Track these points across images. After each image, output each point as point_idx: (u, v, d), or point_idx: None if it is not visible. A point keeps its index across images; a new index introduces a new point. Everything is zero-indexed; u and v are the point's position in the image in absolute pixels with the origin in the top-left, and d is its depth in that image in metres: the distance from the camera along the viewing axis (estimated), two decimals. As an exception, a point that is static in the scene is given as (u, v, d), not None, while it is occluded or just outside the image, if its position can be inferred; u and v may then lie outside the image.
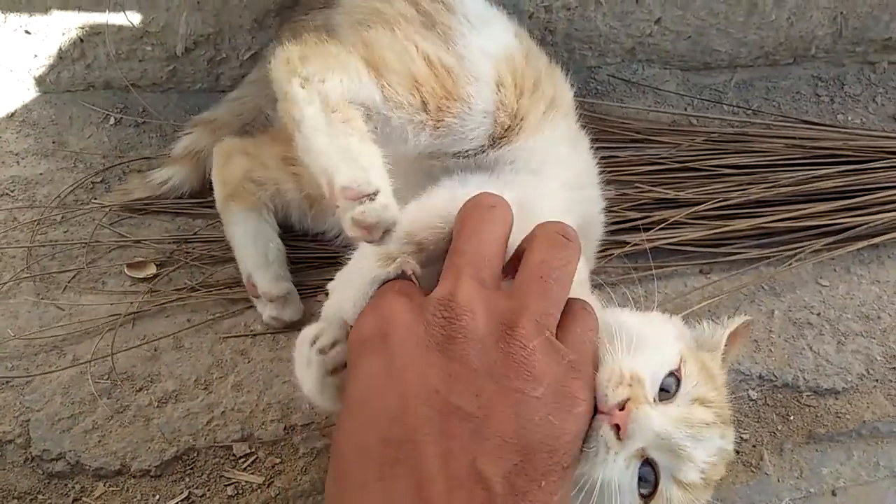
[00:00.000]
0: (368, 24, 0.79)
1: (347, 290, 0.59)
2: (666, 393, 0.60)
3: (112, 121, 1.12)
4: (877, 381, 1.03)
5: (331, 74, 0.66)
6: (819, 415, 1.00)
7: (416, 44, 0.75)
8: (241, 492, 0.85)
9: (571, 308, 0.57)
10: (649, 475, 0.57)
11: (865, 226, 1.11)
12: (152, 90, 1.13)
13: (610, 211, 1.10)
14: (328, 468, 0.53)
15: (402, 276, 0.58)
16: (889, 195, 1.14)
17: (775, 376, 1.01)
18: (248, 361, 0.92)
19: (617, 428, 0.54)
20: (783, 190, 1.13)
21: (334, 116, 0.63)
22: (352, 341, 0.55)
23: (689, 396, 0.60)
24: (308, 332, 0.61)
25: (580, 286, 0.67)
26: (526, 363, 0.50)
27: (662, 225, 1.10)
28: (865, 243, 1.12)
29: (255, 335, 0.94)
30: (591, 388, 0.55)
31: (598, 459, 0.54)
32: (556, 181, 0.80)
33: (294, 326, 0.93)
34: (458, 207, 0.60)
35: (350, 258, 0.64)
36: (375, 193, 0.56)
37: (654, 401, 0.58)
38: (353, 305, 0.58)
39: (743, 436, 0.98)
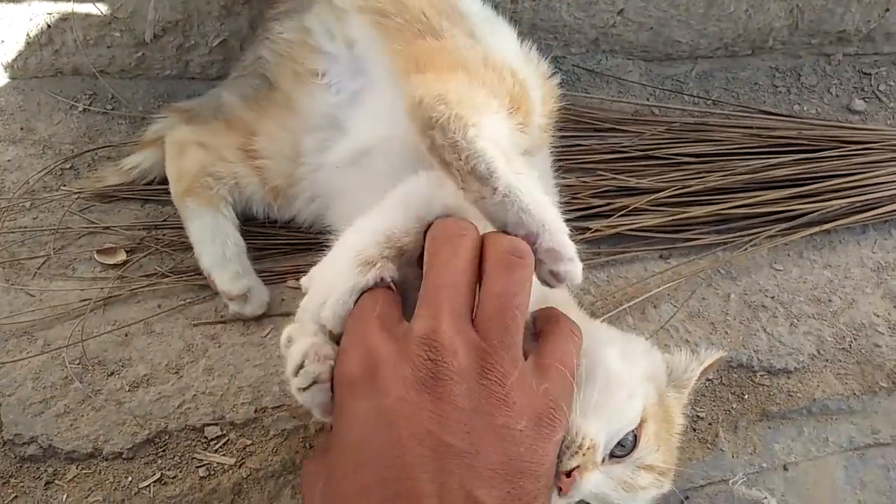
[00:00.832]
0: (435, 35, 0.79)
1: (324, 293, 0.59)
2: (621, 448, 0.63)
3: (80, 107, 1.12)
4: (827, 361, 1.06)
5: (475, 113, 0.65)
6: (772, 393, 1.03)
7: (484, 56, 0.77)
8: (212, 473, 0.86)
9: (553, 328, 0.60)
10: None
11: (818, 212, 1.15)
12: (121, 77, 1.13)
13: (573, 198, 1.14)
14: None
15: (380, 283, 0.59)
16: (841, 183, 1.18)
17: (731, 357, 1.04)
18: (219, 346, 0.93)
19: (559, 489, 0.59)
20: (740, 178, 1.17)
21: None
22: (339, 382, 0.56)
23: (637, 462, 0.63)
24: (284, 335, 0.61)
25: (564, 306, 0.69)
26: (506, 401, 0.53)
27: (624, 212, 1.13)
28: (818, 229, 1.15)
29: (225, 321, 0.95)
30: (569, 410, 0.58)
31: None
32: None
33: (263, 316, 0.94)
34: (436, 210, 0.61)
35: (327, 249, 0.65)
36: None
37: (604, 460, 0.62)
38: (333, 315, 0.58)
39: (699, 414, 1.01)
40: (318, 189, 0.92)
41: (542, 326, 0.62)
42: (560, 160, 1.15)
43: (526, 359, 0.58)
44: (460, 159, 0.59)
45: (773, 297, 1.11)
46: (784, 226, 1.14)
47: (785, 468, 1.00)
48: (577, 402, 0.60)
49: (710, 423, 1.01)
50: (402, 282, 0.62)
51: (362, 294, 0.59)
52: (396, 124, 0.76)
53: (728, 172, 1.18)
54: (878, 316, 1.12)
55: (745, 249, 1.12)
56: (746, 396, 1.03)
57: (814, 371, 1.06)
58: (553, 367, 0.57)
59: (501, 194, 0.58)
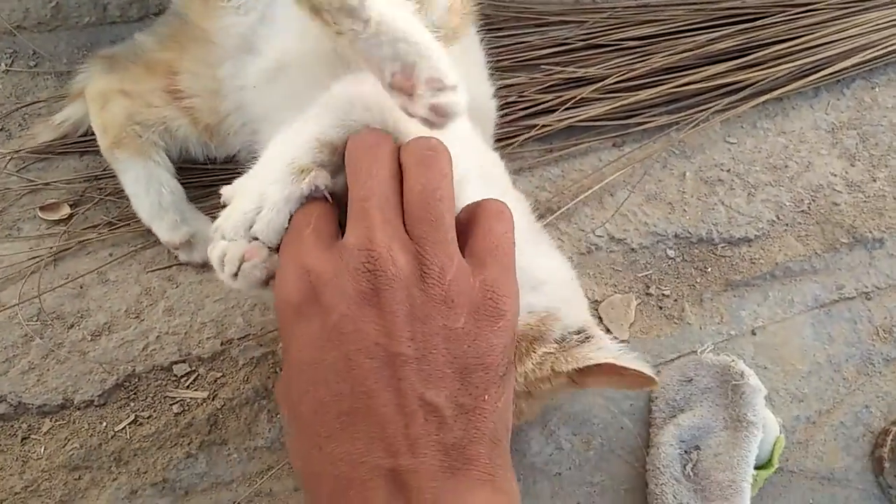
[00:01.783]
0: None
1: (256, 202, 0.57)
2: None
3: (2, 67, 1.09)
4: (787, 225, 1.07)
5: None
6: (734, 263, 1.05)
7: None
8: (187, 408, 0.87)
9: (479, 213, 0.60)
10: None
11: (767, 80, 1.14)
12: (39, 30, 1.09)
13: (521, 96, 1.13)
14: (285, 429, 0.56)
15: (315, 191, 0.58)
16: (788, 47, 1.16)
17: (690, 233, 1.05)
18: (177, 286, 0.93)
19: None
20: (685, 55, 1.15)
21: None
22: (282, 306, 0.56)
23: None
24: (213, 254, 0.59)
25: (503, 191, 0.72)
26: (445, 300, 0.53)
27: (572, 103, 1.11)
28: (768, 96, 1.14)
29: (181, 264, 0.95)
30: (514, 290, 0.58)
31: None
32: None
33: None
34: (357, 110, 0.60)
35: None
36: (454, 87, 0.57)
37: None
38: (269, 226, 0.57)
39: (665, 292, 1.03)
40: (247, 117, 0.89)
41: (469, 216, 0.61)
42: (503, 59, 1.15)
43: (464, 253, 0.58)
44: None
45: (728, 171, 1.11)
46: (734, 97, 1.13)
47: (753, 333, 1.02)
48: None
49: (675, 300, 1.03)
50: (336, 192, 0.60)
51: (298, 206, 0.58)
52: (309, 34, 0.74)
53: (672, 52, 1.16)
54: (834, 175, 1.12)
55: (697, 125, 1.12)
56: (709, 269, 1.04)
57: (774, 236, 1.07)
58: (487, 251, 0.57)
59: (374, 23, 0.56)
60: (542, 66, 1.16)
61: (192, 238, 0.92)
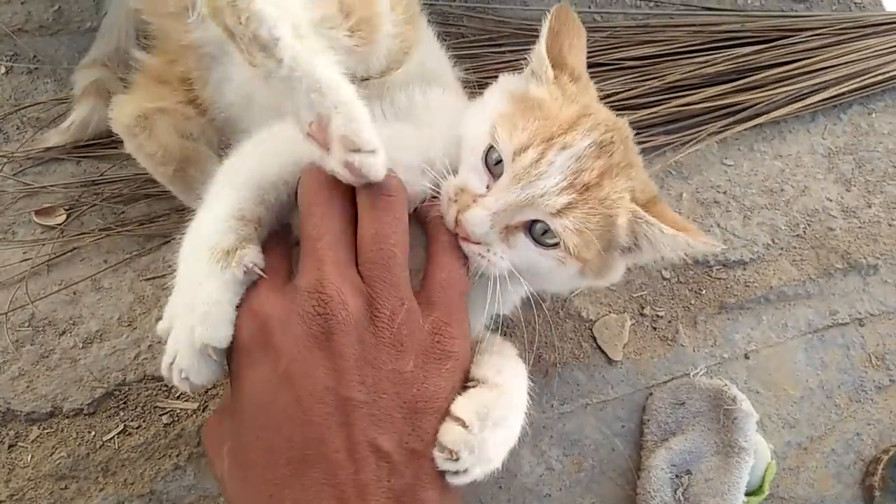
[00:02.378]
0: None
1: (194, 313, 0.55)
2: (500, 165, 0.62)
3: (3, 69, 1.08)
4: (782, 248, 1.07)
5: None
6: (729, 286, 1.05)
7: None
8: (176, 419, 0.87)
9: (432, 247, 0.60)
10: (544, 226, 0.61)
11: (764, 102, 1.14)
12: (41, 34, 1.09)
13: None
14: (221, 478, 0.55)
15: (249, 271, 0.55)
16: (786, 71, 1.17)
17: (685, 254, 1.04)
18: (171, 295, 0.91)
19: (466, 239, 0.60)
20: (684, 76, 1.15)
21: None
22: (235, 350, 0.55)
23: (508, 155, 0.61)
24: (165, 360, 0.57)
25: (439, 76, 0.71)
26: (394, 343, 0.53)
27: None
28: (765, 118, 1.14)
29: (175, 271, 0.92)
30: (463, 330, 0.58)
31: (487, 264, 0.61)
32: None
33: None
34: (275, 183, 0.59)
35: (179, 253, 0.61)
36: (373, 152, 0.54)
37: (489, 186, 0.62)
38: (215, 329, 0.54)
39: (659, 313, 1.03)
40: (234, 130, 0.84)
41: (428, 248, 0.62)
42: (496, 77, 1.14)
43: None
44: (240, 22, 0.53)
45: (725, 192, 1.11)
46: (731, 119, 1.13)
47: (746, 356, 1.02)
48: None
49: (669, 321, 1.03)
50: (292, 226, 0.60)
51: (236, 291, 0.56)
52: None
53: (671, 73, 1.16)
54: (830, 200, 1.12)
55: (694, 146, 1.11)
56: (704, 291, 1.04)
57: (769, 260, 1.07)
58: (437, 291, 0.58)
59: (287, 67, 0.52)
60: None
61: None
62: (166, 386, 0.87)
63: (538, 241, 0.61)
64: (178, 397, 0.87)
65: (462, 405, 0.56)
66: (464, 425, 0.55)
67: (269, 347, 0.52)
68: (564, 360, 0.98)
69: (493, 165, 0.62)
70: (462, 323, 0.58)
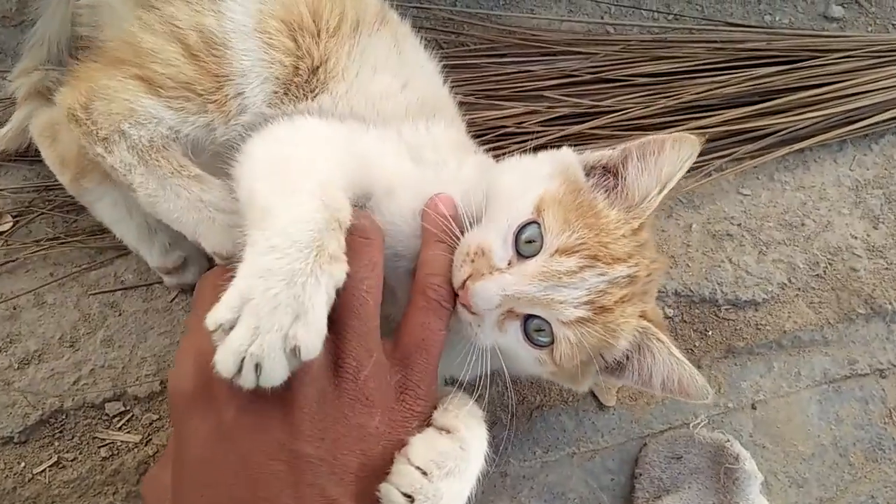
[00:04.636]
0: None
1: (303, 315, 0.50)
2: (529, 244, 0.61)
3: (-36, 62, 1.01)
4: (799, 289, 1.00)
5: (121, 119, 0.66)
6: (738, 328, 0.97)
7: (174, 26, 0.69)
8: (115, 452, 0.80)
9: (418, 315, 0.58)
10: (542, 325, 0.61)
11: (790, 130, 1.06)
12: (3, 25, 1.02)
13: (519, 126, 1.04)
14: None
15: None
16: (815, 95, 1.08)
17: (692, 291, 0.97)
18: (119, 314, 0.85)
19: (464, 305, 0.60)
20: (701, 96, 1.06)
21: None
22: (173, 397, 0.53)
23: (550, 249, 0.60)
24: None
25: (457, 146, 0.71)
26: (360, 398, 0.52)
27: (574, 139, 1.03)
28: (789, 149, 1.06)
29: (126, 287, 0.86)
30: (431, 393, 0.58)
31: (472, 334, 0.61)
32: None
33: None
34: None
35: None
36: None
37: (511, 263, 0.61)
38: (317, 335, 0.50)
39: None
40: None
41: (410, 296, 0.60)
42: (502, 87, 1.07)
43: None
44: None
45: (739, 225, 1.03)
46: (752, 146, 1.05)
47: (753, 407, 0.95)
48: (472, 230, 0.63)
49: None
50: None
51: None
52: None
53: (687, 92, 1.07)
54: (855, 238, 1.04)
55: (709, 174, 1.03)
56: (710, 333, 0.97)
57: (784, 301, 0.99)
58: (413, 351, 0.57)
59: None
60: (546, 98, 1.07)
61: (186, 260, 0.84)
62: (107, 415, 0.81)
63: (528, 337, 0.62)
64: (120, 428, 0.80)
65: (421, 451, 0.54)
66: (422, 472, 0.53)
67: (212, 396, 0.49)
68: (551, 402, 0.92)
69: (522, 242, 0.61)
70: (431, 385, 0.58)
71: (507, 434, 0.85)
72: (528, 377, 0.79)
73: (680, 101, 1.07)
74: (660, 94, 1.08)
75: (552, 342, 0.61)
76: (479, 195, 0.65)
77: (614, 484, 0.89)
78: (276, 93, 0.72)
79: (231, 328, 0.48)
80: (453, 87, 0.87)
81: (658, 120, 1.06)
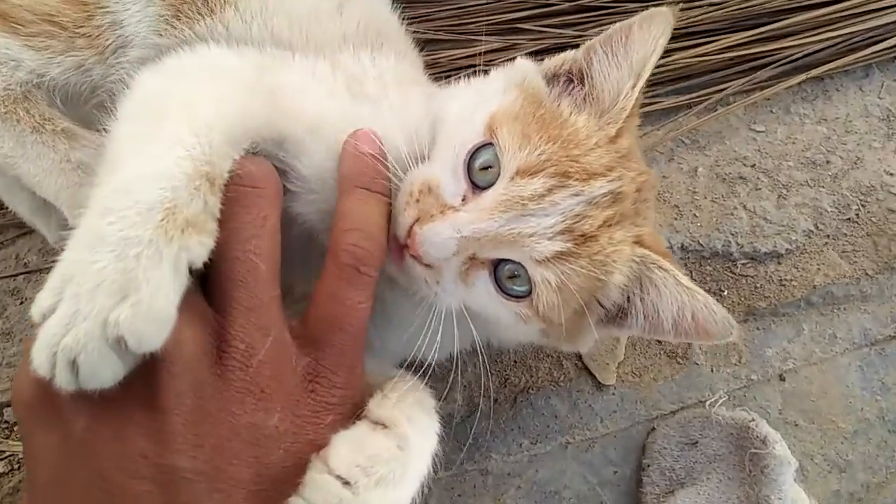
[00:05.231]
0: None
1: (132, 297, 0.42)
2: (488, 172, 0.54)
3: None
4: (828, 236, 0.92)
5: None
6: (759, 285, 0.89)
7: None
8: (17, 466, 0.70)
9: (330, 282, 0.50)
10: (516, 270, 0.53)
11: (805, 53, 0.95)
12: None
13: (489, 65, 0.95)
14: None
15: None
16: (832, 12, 0.96)
17: (701, 245, 0.89)
18: (21, 302, 0.78)
19: (416, 258, 0.52)
20: (700, 18, 0.95)
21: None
22: (15, 406, 0.46)
23: (509, 171, 0.53)
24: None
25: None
26: (251, 388, 0.45)
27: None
28: (806, 76, 0.96)
29: (29, 271, 0.79)
30: (351, 379, 0.50)
31: (429, 294, 0.53)
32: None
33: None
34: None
35: None
36: None
37: (465, 198, 0.54)
38: (153, 323, 0.42)
39: None
40: None
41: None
42: (469, 21, 0.98)
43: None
44: None
45: (753, 166, 0.94)
46: (762, 75, 0.95)
47: (781, 378, 0.87)
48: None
49: None
50: None
51: None
52: None
53: (684, 16, 0.96)
54: (891, 174, 0.96)
55: (714, 108, 0.94)
56: (726, 293, 0.89)
57: (812, 251, 0.91)
58: (324, 328, 0.49)
59: None
60: (526, 30, 0.97)
61: None
62: (7, 422, 0.72)
63: (501, 287, 0.54)
64: (21, 439, 0.69)
65: (343, 454, 0.46)
66: (344, 482, 0.45)
67: (60, 402, 0.42)
68: (539, 384, 0.84)
69: (476, 171, 0.54)
70: (352, 370, 0.50)
71: (488, 424, 0.79)
72: (513, 345, 0.71)
73: (675, 26, 0.95)
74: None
75: (531, 290, 0.53)
76: (423, 130, 0.58)
77: (617, 478, 0.82)
78: (163, 17, 0.62)
79: None
80: (410, 23, 0.80)
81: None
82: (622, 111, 0.56)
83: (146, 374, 0.41)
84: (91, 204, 0.44)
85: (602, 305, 0.57)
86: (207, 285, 0.46)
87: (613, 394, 0.84)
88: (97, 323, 0.39)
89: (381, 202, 0.53)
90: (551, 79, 0.59)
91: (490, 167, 0.53)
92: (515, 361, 0.83)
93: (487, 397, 0.80)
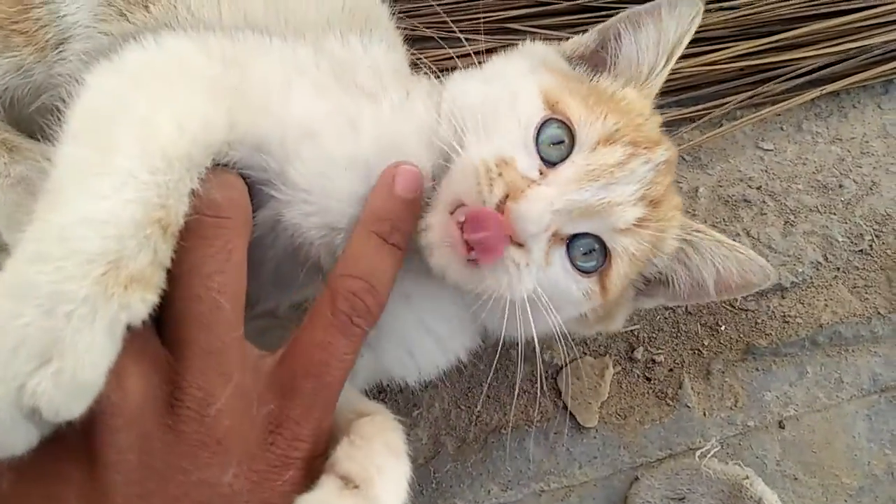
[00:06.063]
0: None
1: (56, 363, 0.40)
2: (558, 147, 0.55)
3: None
4: (837, 269, 0.89)
5: None
6: (760, 321, 0.86)
7: None
8: None
9: (312, 330, 0.48)
10: (591, 244, 0.55)
11: (819, 66, 0.92)
12: None
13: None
14: None
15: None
16: (848, 22, 0.93)
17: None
18: None
19: (510, 239, 0.50)
20: (709, 25, 0.92)
21: None
22: None
23: (589, 142, 0.55)
24: None
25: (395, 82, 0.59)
26: (206, 440, 0.42)
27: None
28: (820, 91, 0.93)
29: None
30: (318, 433, 0.47)
31: (502, 285, 0.51)
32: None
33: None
34: None
35: None
36: None
37: (542, 172, 0.54)
38: (76, 392, 0.39)
39: (656, 357, 0.84)
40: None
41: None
42: (457, 19, 0.95)
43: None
44: None
45: (759, 188, 0.91)
46: (773, 88, 0.93)
47: (781, 425, 0.84)
48: (465, 148, 0.53)
49: (670, 370, 0.82)
50: None
51: None
52: None
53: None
54: None
55: (719, 124, 0.92)
56: (723, 328, 0.86)
57: (819, 285, 0.89)
58: (298, 371, 0.46)
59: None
60: (518, 31, 0.95)
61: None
62: None
63: (574, 264, 0.55)
64: None
65: None
66: None
67: None
68: (513, 423, 0.81)
69: (545, 146, 0.55)
70: (321, 423, 0.47)
71: (455, 467, 0.74)
72: (541, 334, 0.64)
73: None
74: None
75: (601, 265, 0.55)
76: (441, 130, 0.55)
77: (597, 533, 0.78)
78: (110, 4, 0.58)
79: None
80: (396, 18, 0.77)
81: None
82: (655, 87, 0.61)
83: (84, 425, 0.38)
84: (23, 244, 0.40)
85: (643, 275, 0.60)
86: (162, 322, 0.43)
87: (595, 437, 0.80)
88: (11, 389, 0.36)
89: (395, 256, 0.51)
90: (570, 60, 0.63)
91: (561, 141, 0.55)
92: (489, 396, 0.79)
93: (455, 436, 0.75)
